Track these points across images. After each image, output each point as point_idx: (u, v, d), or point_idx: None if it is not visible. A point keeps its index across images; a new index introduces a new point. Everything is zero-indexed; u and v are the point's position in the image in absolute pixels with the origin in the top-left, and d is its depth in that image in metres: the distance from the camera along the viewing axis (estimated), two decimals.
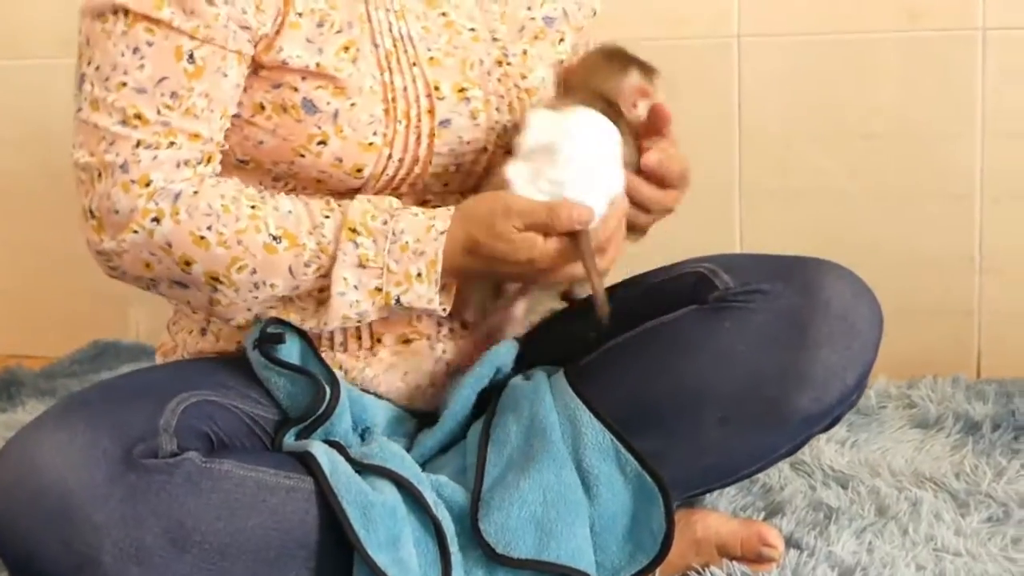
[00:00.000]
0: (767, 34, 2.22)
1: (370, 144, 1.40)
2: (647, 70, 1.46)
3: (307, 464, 1.32)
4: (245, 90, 1.40)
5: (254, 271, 1.35)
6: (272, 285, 1.36)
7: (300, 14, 1.39)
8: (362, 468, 1.34)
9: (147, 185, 1.34)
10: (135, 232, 1.34)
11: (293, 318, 1.39)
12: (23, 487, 1.22)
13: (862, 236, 2.20)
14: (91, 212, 1.36)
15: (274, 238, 1.35)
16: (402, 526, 1.30)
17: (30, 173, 2.60)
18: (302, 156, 1.39)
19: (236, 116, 1.40)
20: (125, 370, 2.35)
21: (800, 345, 1.38)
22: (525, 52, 1.53)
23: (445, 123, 1.45)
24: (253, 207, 1.36)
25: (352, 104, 1.40)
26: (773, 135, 2.24)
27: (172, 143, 1.35)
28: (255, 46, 1.39)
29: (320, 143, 1.39)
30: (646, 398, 1.41)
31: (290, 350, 1.41)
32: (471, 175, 1.49)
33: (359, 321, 1.38)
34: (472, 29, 1.50)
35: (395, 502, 1.31)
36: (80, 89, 1.37)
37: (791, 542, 1.49)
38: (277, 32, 1.39)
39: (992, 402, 1.97)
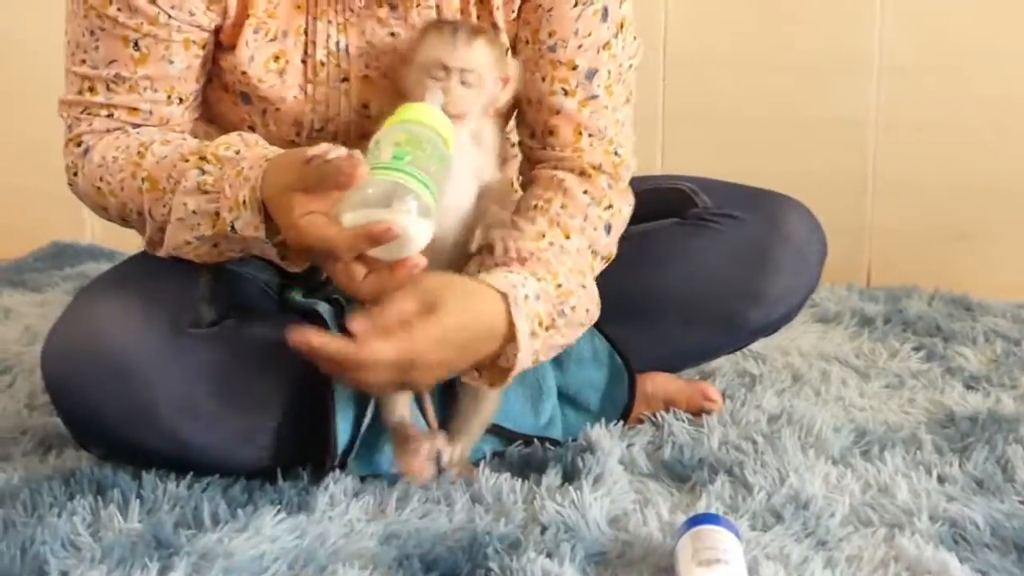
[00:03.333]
0: None
1: (291, 141, 1.50)
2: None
3: (315, 321, 1.46)
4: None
5: (139, 212, 1.44)
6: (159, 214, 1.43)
7: (248, 15, 1.46)
8: None
9: (78, 145, 1.49)
10: (71, 185, 1.53)
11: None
12: (87, 354, 1.37)
13: (769, 159, 2.45)
14: None
15: (143, 179, 1.42)
16: None
17: None
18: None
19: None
20: (86, 269, 2.52)
21: (761, 269, 1.62)
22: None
23: (367, 137, 1.47)
24: (139, 154, 1.44)
25: (277, 109, 1.49)
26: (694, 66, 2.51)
27: (110, 115, 1.48)
28: (219, 32, 1.48)
29: (249, 127, 1.51)
30: (623, 293, 1.58)
31: None
32: None
33: (201, 246, 1.41)
34: None
35: None
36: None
37: (724, 397, 1.72)
38: (238, 26, 1.46)
39: (883, 303, 2.25)
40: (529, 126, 1.57)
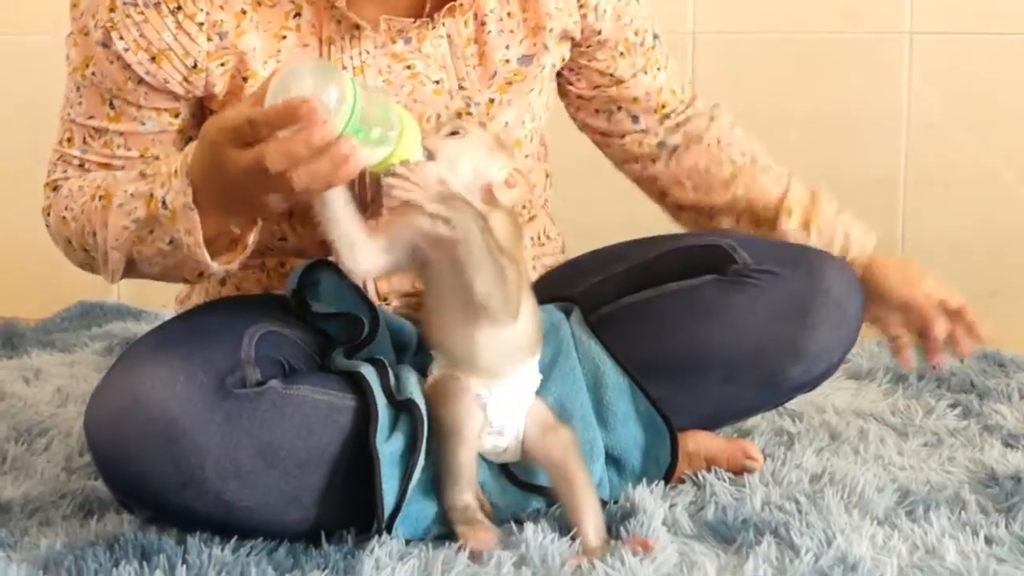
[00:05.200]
0: (719, 31, 2.49)
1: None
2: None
3: (359, 382, 1.47)
4: None
5: (94, 233, 1.48)
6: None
7: (245, 79, 1.51)
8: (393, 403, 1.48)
9: (54, 189, 1.56)
10: (47, 226, 1.58)
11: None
12: (132, 418, 1.38)
13: None
14: None
15: (100, 197, 1.47)
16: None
17: (15, 143, 2.75)
18: None
19: None
20: (113, 328, 2.53)
21: (801, 325, 1.61)
22: (492, 100, 1.61)
23: None
24: (104, 179, 1.50)
25: None
26: None
27: (81, 165, 1.55)
28: (206, 99, 1.53)
29: None
30: (662, 351, 1.60)
31: (327, 288, 1.55)
32: None
33: (139, 241, 1.43)
34: (437, 82, 1.57)
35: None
36: None
37: (763, 456, 1.71)
38: (234, 93, 1.52)
39: (916, 360, 2.24)
40: (639, 116, 1.78)
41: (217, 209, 1.38)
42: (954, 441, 1.83)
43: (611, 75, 1.74)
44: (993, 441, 1.82)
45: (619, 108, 1.77)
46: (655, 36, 1.75)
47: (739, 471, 1.66)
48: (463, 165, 1.43)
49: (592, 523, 1.44)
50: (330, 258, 1.59)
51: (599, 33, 1.69)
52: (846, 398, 2.05)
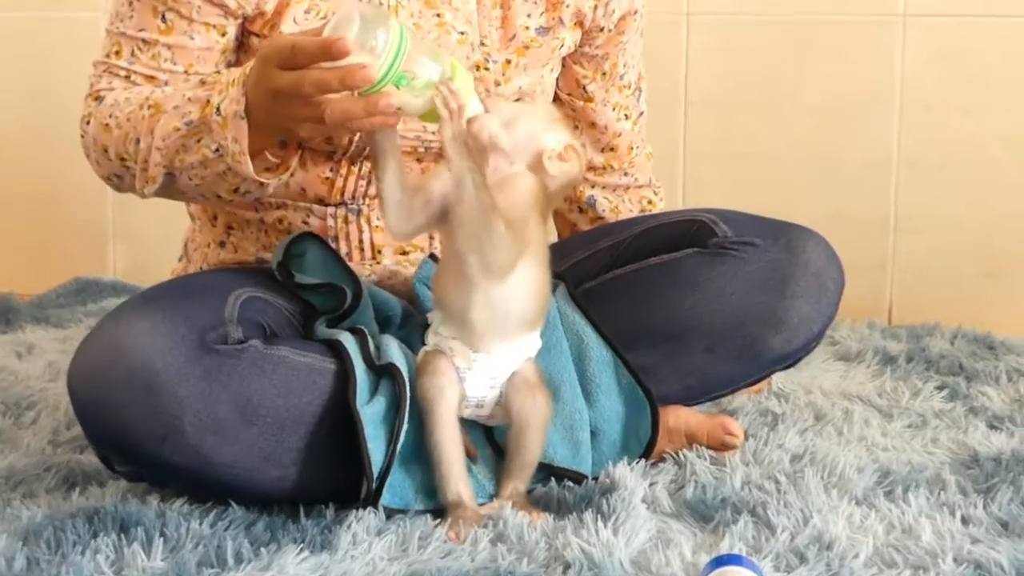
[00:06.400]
0: (713, 13, 2.49)
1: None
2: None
3: (338, 350, 1.49)
4: (247, 51, 1.62)
5: (138, 140, 1.52)
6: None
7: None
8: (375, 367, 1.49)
9: (96, 99, 1.59)
10: (82, 136, 1.60)
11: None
12: (115, 368, 1.40)
13: (791, 196, 2.45)
14: None
15: (149, 107, 1.52)
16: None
17: (12, 119, 2.76)
18: None
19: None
20: (108, 304, 2.53)
21: (781, 295, 1.62)
22: (509, 61, 1.68)
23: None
24: (152, 92, 1.55)
25: None
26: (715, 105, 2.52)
27: (128, 77, 1.60)
28: (248, 20, 1.59)
29: None
30: (645, 323, 1.62)
31: (313, 260, 1.58)
32: (440, 159, 1.63)
33: (185, 148, 1.48)
34: (462, 33, 1.63)
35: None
36: None
37: (746, 436, 1.72)
38: (279, 13, 1.58)
39: (905, 341, 2.25)
40: (587, 147, 1.83)
41: (262, 121, 1.42)
42: (939, 423, 1.83)
43: (584, 88, 1.81)
44: (978, 423, 1.83)
45: (575, 127, 1.82)
46: (639, 89, 1.86)
47: (719, 447, 1.66)
48: (519, 127, 1.43)
49: (512, 486, 1.48)
50: (329, 209, 1.65)
51: (601, 31, 1.75)
52: (834, 379, 2.05)
